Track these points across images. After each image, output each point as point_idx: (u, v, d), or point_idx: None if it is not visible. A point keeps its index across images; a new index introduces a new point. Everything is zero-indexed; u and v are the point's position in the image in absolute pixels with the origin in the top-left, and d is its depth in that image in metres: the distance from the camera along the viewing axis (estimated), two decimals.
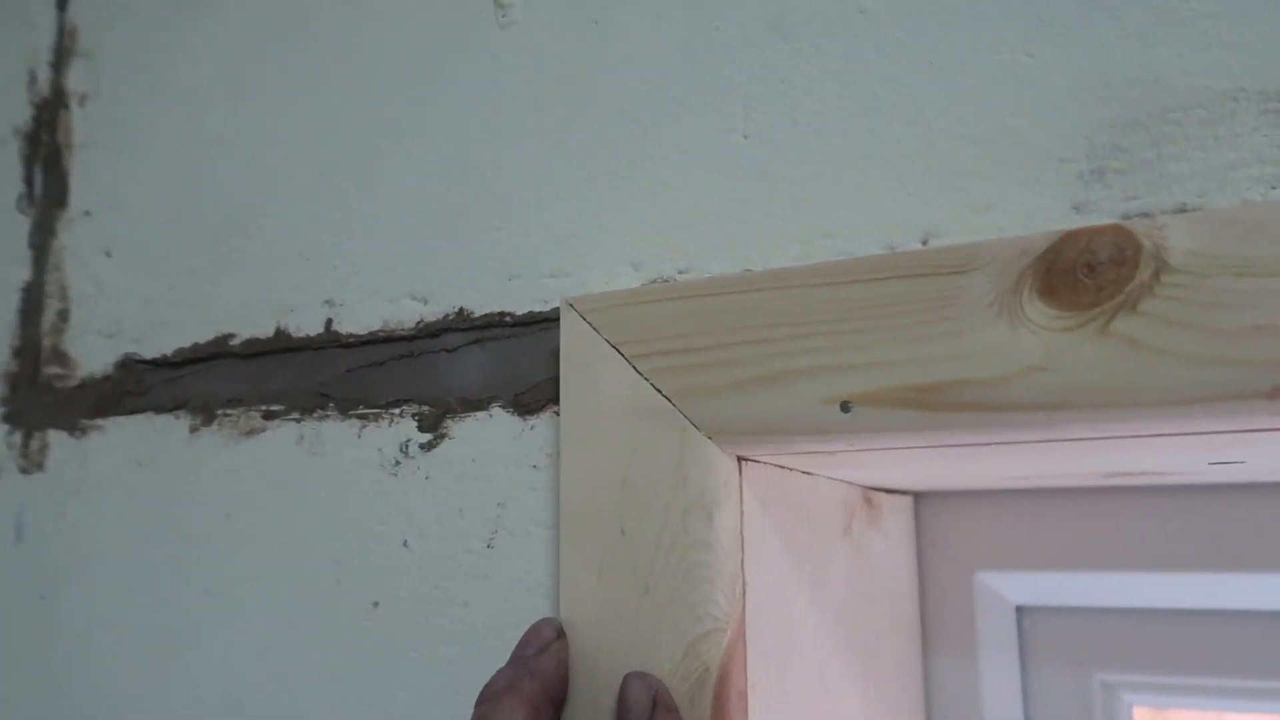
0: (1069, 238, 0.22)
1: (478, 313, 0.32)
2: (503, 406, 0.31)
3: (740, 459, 0.27)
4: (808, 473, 0.33)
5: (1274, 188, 0.22)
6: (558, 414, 0.29)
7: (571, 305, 0.28)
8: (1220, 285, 0.21)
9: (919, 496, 0.52)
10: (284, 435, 0.35)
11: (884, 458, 0.30)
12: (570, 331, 0.28)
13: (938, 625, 0.52)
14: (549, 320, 0.30)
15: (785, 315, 0.25)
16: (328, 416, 0.34)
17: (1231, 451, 0.29)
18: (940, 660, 0.51)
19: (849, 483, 0.38)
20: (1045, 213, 0.24)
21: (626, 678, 0.25)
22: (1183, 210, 0.23)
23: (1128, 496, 0.48)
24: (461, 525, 0.31)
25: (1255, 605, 0.46)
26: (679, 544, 0.26)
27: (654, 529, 0.26)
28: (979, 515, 0.52)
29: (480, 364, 0.32)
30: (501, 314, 0.32)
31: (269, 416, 0.36)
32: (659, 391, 0.26)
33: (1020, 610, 0.52)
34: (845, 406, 0.24)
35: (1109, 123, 0.24)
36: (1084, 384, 0.22)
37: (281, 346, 0.36)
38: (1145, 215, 0.23)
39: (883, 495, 0.45)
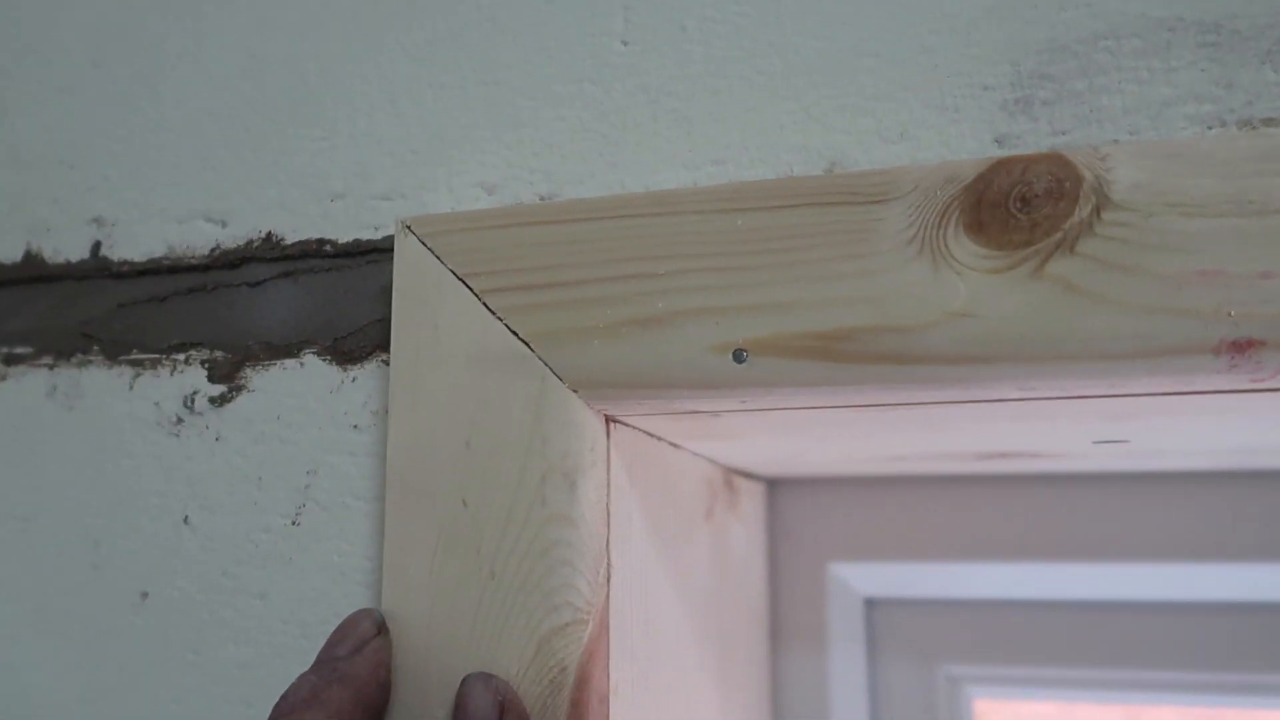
0: (1002, 165, 0.19)
1: (290, 239, 0.26)
2: (317, 354, 0.25)
3: (609, 419, 0.23)
4: (674, 444, 0.29)
5: (1211, 128, 0.20)
6: (387, 363, 0.24)
7: (409, 228, 0.23)
8: (1166, 225, 0.18)
9: (773, 483, 0.50)
10: (32, 384, 0.28)
11: (767, 426, 0.27)
12: (406, 260, 0.23)
13: (789, 617, 0.50)
14: (380, 250, 0.25)
15: (669, 247, 0.21)
16: (90, 362, 0.27)
17: (1123, 429, 0.28)
18: (790, 653, 0.49)
19: (712, 461, 0.35)
20: (964, 145, 0.22)
21: (466, 681, 0.20)
22: None
23: (978, 487, 0.47)
24: (260, 498, 0.25)
25: (1098, 596, 0.47)
26: (534, 518, 0.21)
27: (504, 501, 0.21)
28: (833, 504, 0.50)
29: (291, 302, 0.26)
30: (320, 241, 0.26)
31: (11, 361, 0.28)
32: (514, 334, 0.22)
33: (869, 602, 0.50)
34: (739, 355, 0.20)
35: (1036, 47, 0.21)
36: (1015, 334, 0.19)
37: (33, 275, 0.28)
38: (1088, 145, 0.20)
39: (741, 479, 0.42)
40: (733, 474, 0.39)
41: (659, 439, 0.27)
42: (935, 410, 0.22)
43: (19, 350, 0.28)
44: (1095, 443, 0.29)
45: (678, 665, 0.28)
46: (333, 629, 0.22)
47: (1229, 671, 0.45)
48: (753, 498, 0.45)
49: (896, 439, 0.29)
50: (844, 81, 0.23)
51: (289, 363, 0.26)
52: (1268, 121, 0.20)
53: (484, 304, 0.22)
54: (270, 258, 0.26)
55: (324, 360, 0.25)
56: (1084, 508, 0.45)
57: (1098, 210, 0.19)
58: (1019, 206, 0.19)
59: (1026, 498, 0.46)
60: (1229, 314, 0.18)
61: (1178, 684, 0.46)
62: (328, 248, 0.26)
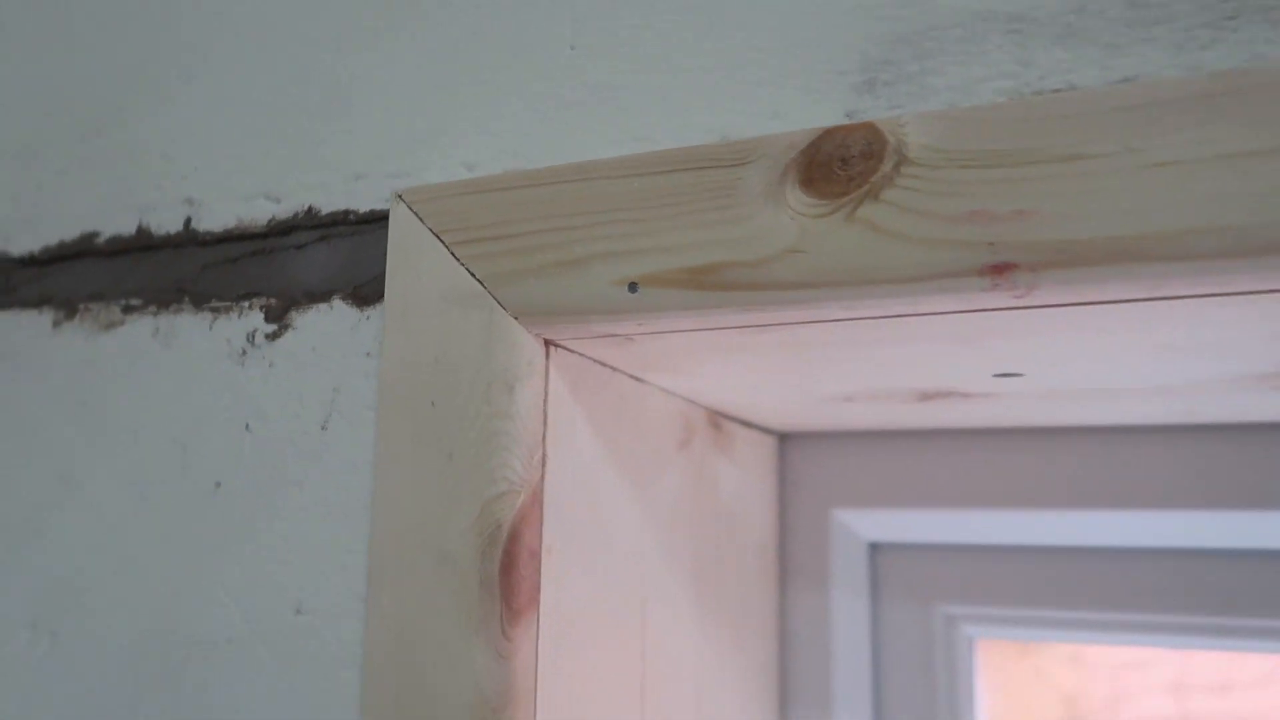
0: (828, 134, 0.25)
1: (324, 211, 0.34)
2: (343, 298, 0.33)
3: (548, 342, 0.29)
4: (637, 378, 0.35)
5: (1009, 98, 0.25)
6: None
7: (400, 197, 0.30)
8: (947, 176, 0.23)
9: (783, 437, 0.55)
10: (140, 328, 0.36)
11: (713, 372, 0.33)
12: (398, 223, 0.30)
13: (795, 559, 0.55)
14: (387, 218, 0.32)
15: (586, 204, 0.27)
16: (182, 310, 0.36)
17: (1012, 363, 0.32)
18: (797, 593, 0.54)
19: (689, 400, 0.41)
20: (822, 119, 0.27)
21: None
22: None
23: (975, 439, 0.51)
24: (300, 410, 0.33)
25: (1086, 542, 0.50)
26: (481, 414, 0.28)
27: (460, 402, 0.28)
28: (838, 455, 0.55)
29: (325, 259, 0.33)
30: (346, 212, 0.33)
31: (128, 310, 0.37)
32: (473, 276, 0.28)
33: (873, 546, 0.55)
34: (633, 287, 0.26)
35: (881, 39, 0.27)
36: (833, 265, 0.24)
37: (143, 244, 0.37)
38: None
39: (737, 426, 0.48)
40: (720, 417, 0.44)
41: (614, 369, 0.33)
42: (808, 336, 0.27)
43: (133, 302, 0.37)
44: (995, 375, 0.33)
45: (633, 555, 0.33)
46: (351, 511, 0.29)
47: (1207, 615, 0.48)
48: (755, 446, 0.50)
49: (824, 375, 0.34)
50: (736, 73, 0.28)
51: (321, 306, 0.33)
52: (1056, 91, 0.25)
53: (452, 254, 0.29)
54: (310, 226, 0.34)
55: (347, 304, 0.33)
56: (1072, 459, 0.49)
57: (898, 166, 0.24)
58: (839, 165, 0.24)
59: (1020, 451, 0.50)
60: (990, 244, 0.23)
61: (1162, 625, 0.49)
62: (351, 216, 0.33)
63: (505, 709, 0.26)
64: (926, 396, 0.38)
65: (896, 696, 0.54)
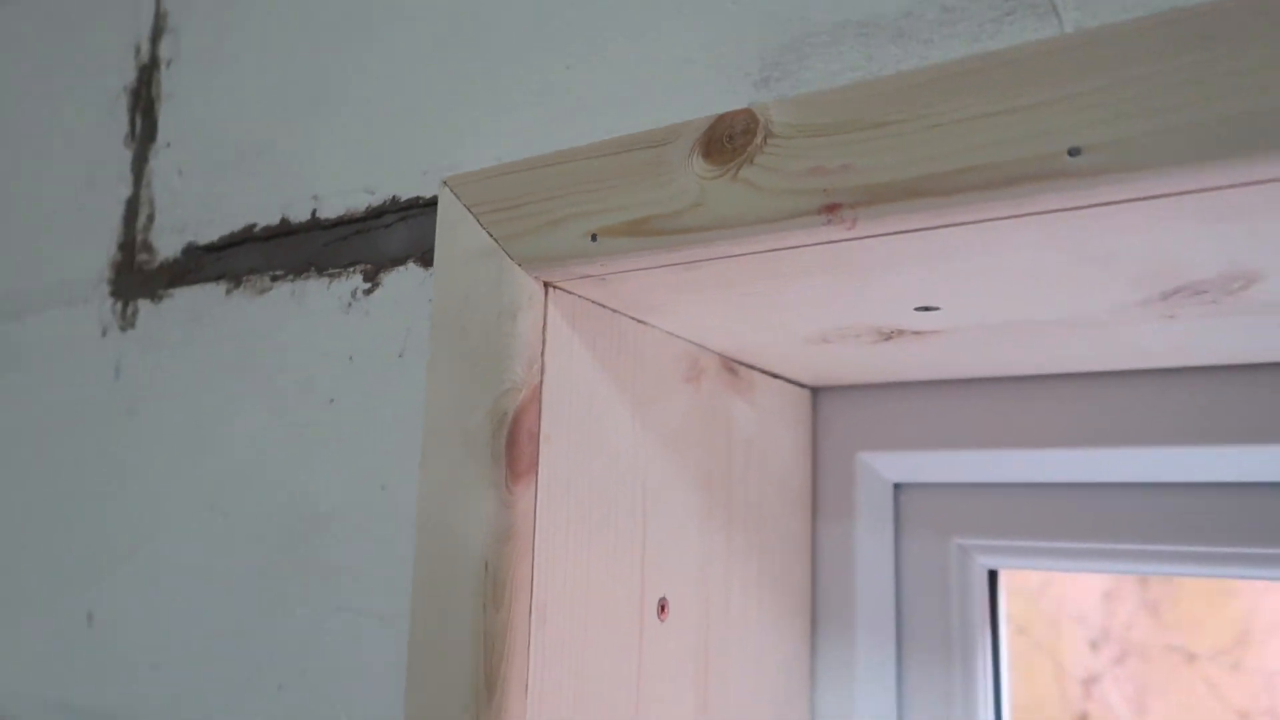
0: (721, 119, 0.34)
1: (403, 198, 0.46)
2: (414, 261, 0.45)
3: (547, 284, 0.39)
4: (638, 320, 0.45)
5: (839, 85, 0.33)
6: None
7: (445, 183, 0.41)
8: (797, 143, 0.32)
9: (816, 390, 0.63)
10: (282, 292, 0.50)
11: (691, 313, 0.42)
12: (444, 201, 0.41)
13: (827, 497, 0.63)
14: None
15: (563, 181, 0.38)
16: (310, 277, 0.49)
17: (918, 298, 0.40)
18: (827, 527, 0.62)
19: (698, 345, 0.50)
20: (731, 108, 0.36)
21: None
22: None
23: (987, 386, 0.58)
24: (384, 345, 0.45)
25: (1090, 478, 0.56)
26: (494, 335, 0.39)
27: (481, 327, 0.39)
28: (864, 405, 0.63)
29: (404, 234, 0.45)
30: (417, 198, 0.45)
31: (274, 279, 0.50)
32: (490, 236, 0.39)
33: (896, 486, 0.62)
34: (594, 238, 0.36)
35: (774, 47, 0.36)
36: (723, 213, 0.33)
37: (284, 231, 0.50)
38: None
39: (758, 374, 0.56)
40: (736, 364, 0.53)
41: (615, 311, 0.43)
42: (725, 271, 0.36)
43: (278, 273, 0.50)
44: (916, 309, 0.41)
45: (628, 458, 0.43)
46: (416, 417, 0.40)
47: (1203, 545, 0.53)
48: (782, 395, 0.59)
49: (780, 314, 0.42)
50: (676, 77, 0.38)
51: (400, 269, 0.45)
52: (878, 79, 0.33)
53: (477, 221, 0.40)
54: (394, 210, 0.46)
55: (417, 265, 0.44)
56: (1073, 403, 0.54)
57: (765, 139, 0.33)
58: (727, 140, 0.34)
59: (1027, 397, 0.56)
60: (824, 190, 0.31)
61: (1160, 555, 0.54)
62: (420, 201, 0.45)
63: (509, 541, 0.37)
64: (884, 334, 0.46)
65: (915, 619, 0.61)
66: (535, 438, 0.38)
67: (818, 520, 0.62)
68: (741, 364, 0.54)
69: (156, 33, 0.61)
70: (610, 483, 0.42)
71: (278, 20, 0.54)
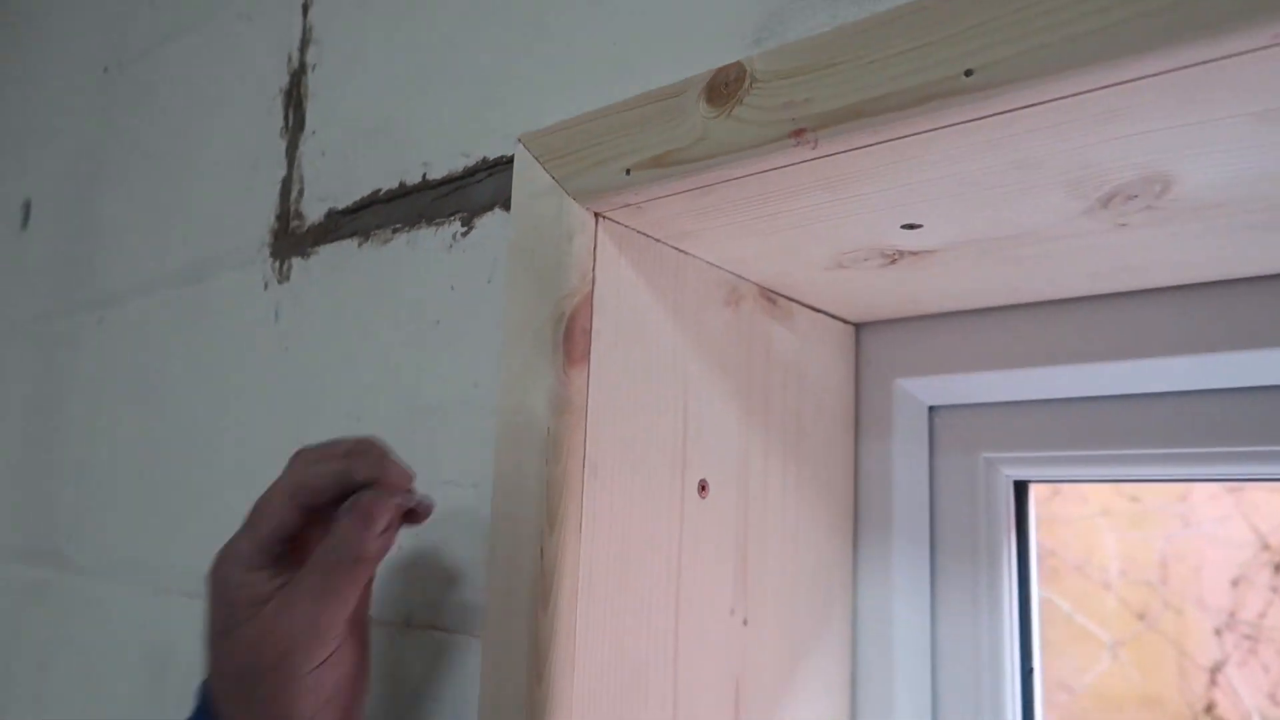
0: (719, 71, 0.44)
1: (492, 157, 0.57)
2: (499, 207, 0.56)
3: (597, 214, 0.50)
4: (678, 249, 0.55)
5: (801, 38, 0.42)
6: None
7: (520, 140, 0.52)
8: (774, 85, 0.41)
9: (859, 326, 0.72)
10: (400, 241, 0.62)
11: (718, 241, 0.52)
12: (519, 155, 0.52)
13: (868, 419, 0.71)
14: None
15: (604, 130, 0.48)
16: (421, 228, 0.61)
17: (913, 218, 0.48)
18: (868, 444, 0.70)
19: (736, 275, 0.59)
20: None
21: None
22: None
23: (1009, 313, 0.65)
24: (478, 276, 0.56)
25: (1107, 391, 0.62)
26: (555, 254, 0.49)
27: (548, 250, 0.50)
28: (901, 336, 0.70)
29: (492, 186, 0.57)
30: (501, 157, 0.57)
31: (395, 232, 0.63)
32: (552, 177, 0.50)
33: (931, 409, 0.70)
34: (628, 171, 0.47)
35: (764, 13, 0.45)
36: (721, 143, 0.43)
37: (402, 193, 0.63)
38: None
39: (797, 306, 0.65)
40: (774, 294, 0.62)
41: (657, 239, 0.53)
42: (731, 193, 0.45)
43: (397, 227, 0.63)
44: (902, 227, 0.49)
45: (667, 357, 0.53)
46: (499, 329, 0.52)
47: (1212, 446, 0.58)
48: (823, 327, 0.67)
49: (788, 238, 0.51)
50: (687, 44, 0.48)
51: (489, 214, 0.56)
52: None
53: (542, 167, 0.51)
54: (485, 169, 0.57)
55: (501, 210, 0.56)
56: (1088, 322, 0.60)
57: (751, 84, 0.42)
58: (724, 86, 0.43)
59: (1041, 320, 0.63)
60: (792, 119, 0.40)
61: (1171, 458, 0.60)
62: (504, 159, 0.56)
63: (565, 412, 0.48)
64: (887, 256, 0.54)
65: (947, 525, 0.68)
66: (587, 333, 0.49)
67: (860, 439, 0.70)
68: (780, 295, 0.63)
69: (304, 44, 0.75)
70: (653, 373, 0.52)
71: (393, 29, 0.67)
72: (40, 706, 0.91)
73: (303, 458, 0.46)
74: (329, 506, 0.43)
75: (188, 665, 0.73)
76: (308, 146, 0.72)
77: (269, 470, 0.67)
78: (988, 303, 0.64)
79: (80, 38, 1.10)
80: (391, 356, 0.61)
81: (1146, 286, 0.58)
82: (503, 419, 0.50)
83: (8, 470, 1.04)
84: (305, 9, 0.75)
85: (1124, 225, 0.47)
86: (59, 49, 1.15)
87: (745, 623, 0.58)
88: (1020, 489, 0.68)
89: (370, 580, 0.44)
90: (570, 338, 0.48)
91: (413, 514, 0.44)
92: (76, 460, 0.93)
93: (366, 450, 0.44)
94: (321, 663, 0.41)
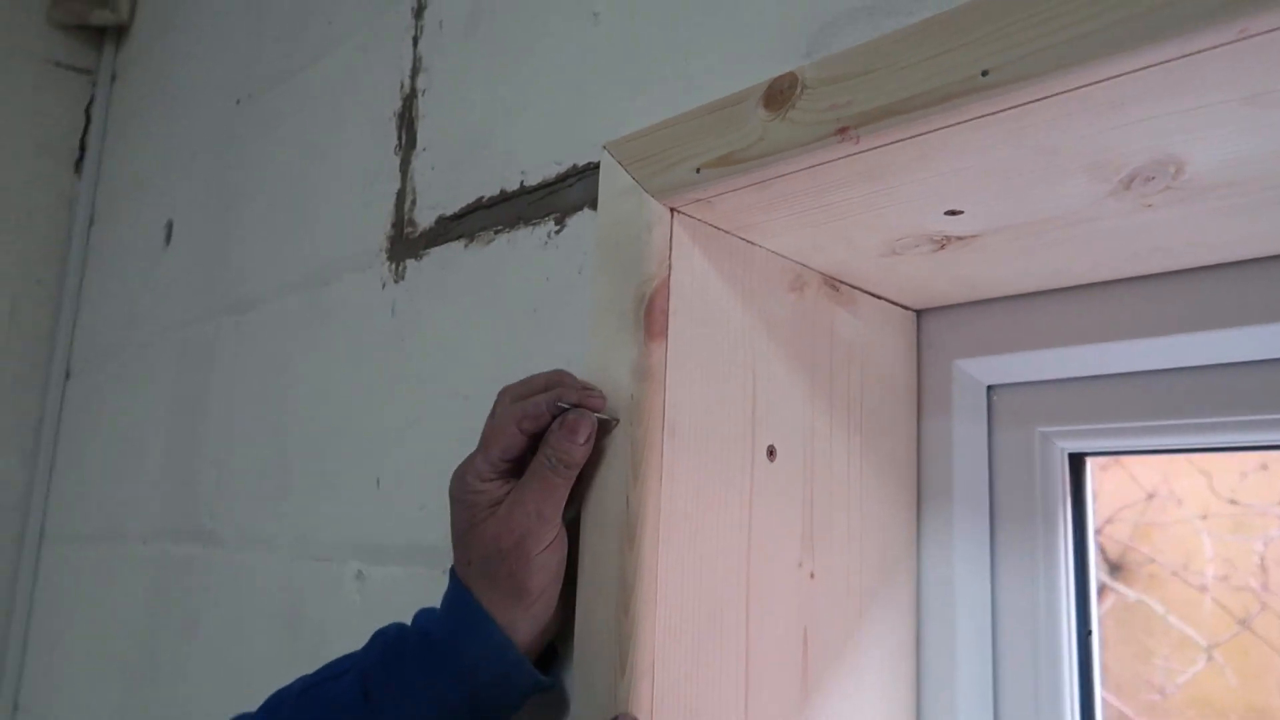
0: (774, 80, 0.50)
1: (581, 164, 0.65)
2: (588, 208, 0.64)
3: (672, 209, 0.57)
4: (747, 240, 0.62)
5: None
6: None
7: (605, 147, 0.60)
8: (821, 90, 0.48)
9: (920, 313, 0.77)
10: (501, 241, 0.71)
11: (781, 232, 0.59)
12: (605, 160, 0.60)
13: (929, 398, 0.76)
14: None
15: (676, 135, 0.55)
16: (519, 228, 0.69)
17: (954, 205, 0.54)
18: (929, 422, 0.75)
19: (800, 264, 0.66)
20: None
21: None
22: None
23: (1057, 297, 0.69)
24: (570, 267, 0.64)
25: (1149, 366, 0.66)
26: (634, 243, 0.57)
27: (626, 241, 0.57)
28: (960, 321, 0.76)
29: (581, 189, 0.65)
30: (589, 163, 0.64)
31: (496, 233, 0.71)
32: (632, 178, 0.58)
33: (990, 388, 0.75)
34: (698, 170, 0.54)
35: (816, 29, 0.52)
36: (776, 142, 0.50)
37: (502, 199, 0.72)
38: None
39: (860, 293, 0.71)
40: (838, 281, 0.69)
41: (726, 231, 0.60)
42: (786, 188, 0.52)
43: (498, 229, 0.71)
44: (945, 213, 0.54)
45: (737, 332, 0.59)
46: (589, 318, 0.60)
47: (1243, 415, 0.62)
48: (886, 313, 0.73)
49: (845, 227, 0.57)
50: (748, 58, 0.55)
51: (579, 214, 0.64)
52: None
53: (624, 169, 0.58)
54: (575, 174, 0.65)
55: (590, 209, 0.64)
56: (1131, 303, 0.65)
57: (802, 90, 0.49)
58: (778, 94, 0.50)
59: (1090, 301, 0.67)
60: (837, 119, 0.47)
61: (1210, 427, 0.64)
62: (592, 165, 0.64)
63: (646, 380, 0.55)
64: (935, 241, 0.60)
65: (1005, 495, 0.73)
66: (665, 313, 0.56)
67: (922, 417, 0.76)
68: (842, 282, 0.70)
69: (414, 72, 0.84)
70: (724, 349, 0.59)
71: (492, 56, 0.76)
72: (187, 669, 1.02)
73: (511, 393, 0.57)
74: (541, 431, 0.54)
75: (316, 622, 0.83)
76: (419, 162, 0.81)
77: (389, 447, 0.76)
78: (1038, 286, 0.69)
79: (214, 75, 1.23)
80: (495, 341, 0.69)
81: (1184, 267, 0.62)
82: (592, 373, 0.58)
83: (157, 461, 1.17)
84: (415, 41, 0.85)
85: (1149, 206, 0.52)
86: (195, 86, 1.29)
87: (812, 576, 0.64)
88: (1076, 462, 0.72)
89: (573, 483, 0.55)
90: (650, 316, 0.56)
91: (605, 425, 0.55)
92: (217, 449, 1.05)
93: (563, 380, 0.56)
94: (546, 546, 0.53)
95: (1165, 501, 0.97)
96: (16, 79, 1.54)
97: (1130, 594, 0.94)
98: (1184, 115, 0.43)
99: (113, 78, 1.60)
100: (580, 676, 0.55)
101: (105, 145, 1.56)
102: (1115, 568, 1.00)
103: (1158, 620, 1.01)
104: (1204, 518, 1.00)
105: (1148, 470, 1.01)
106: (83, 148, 1.59)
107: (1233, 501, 0.96)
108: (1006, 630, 0.71)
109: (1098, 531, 0.94)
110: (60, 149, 1.57)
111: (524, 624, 0.54)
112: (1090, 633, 0.71)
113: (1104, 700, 0.73)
